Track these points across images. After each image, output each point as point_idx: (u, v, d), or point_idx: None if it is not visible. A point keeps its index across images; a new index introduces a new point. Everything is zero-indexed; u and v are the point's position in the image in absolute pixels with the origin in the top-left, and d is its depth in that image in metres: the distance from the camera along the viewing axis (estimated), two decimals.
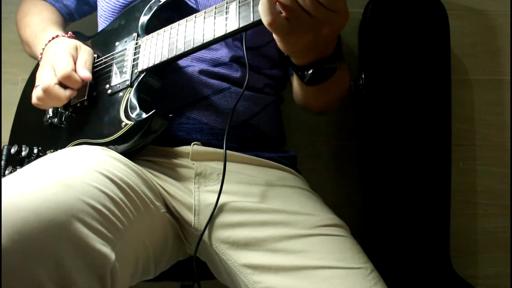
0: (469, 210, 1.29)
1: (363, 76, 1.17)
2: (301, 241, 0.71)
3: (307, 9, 0.58)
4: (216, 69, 0.86)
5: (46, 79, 0.77)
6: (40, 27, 0.94)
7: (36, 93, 0.79)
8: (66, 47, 0.81)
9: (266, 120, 0.91)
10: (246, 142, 0.87)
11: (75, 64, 0.80)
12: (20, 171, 0.62)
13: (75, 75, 0.78)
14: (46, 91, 0.77)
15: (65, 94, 0.77)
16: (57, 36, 0.87)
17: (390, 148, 1.15)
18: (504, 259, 1.28)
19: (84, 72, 0.79)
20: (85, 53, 0.83)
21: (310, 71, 0.71)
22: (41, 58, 0.86)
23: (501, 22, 1.29)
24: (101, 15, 0.96)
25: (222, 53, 0.87)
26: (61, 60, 0.78)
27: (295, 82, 0.88)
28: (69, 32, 0.91)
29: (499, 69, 1.29)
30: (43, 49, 0.86)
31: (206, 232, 0.74)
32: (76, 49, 0.83)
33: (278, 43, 0.65)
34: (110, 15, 0.93)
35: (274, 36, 0.63)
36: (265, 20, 0.59)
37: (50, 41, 0.86)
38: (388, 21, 1.17)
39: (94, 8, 1.06)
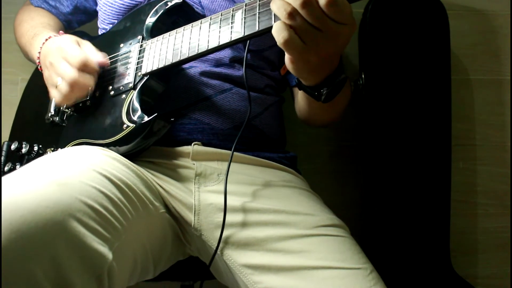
0: (469, 210, 1.30)
1: (363, 76, 1.17)
2: (301, 241, 0.71)
3: (316, 25, 0.57)
4: (218, 69, 0.86)
5: (67, 72, 0.77)
6: (32, 33, 0.94)
7: (62, 90, 0.78)
8: (69, 40, 0.82)
9: (268, 120, 0.91)
10: (247, 143, 0.87)
11: None
12: (19, 170, 0.62)
13: (91, 59, 0.78)
14: (74, 83, 0.77)
15: (91, 79, 0.78)
16: (49, 37, 0.87)
17: (390, 148, 1.15)
18: (504, 259, 1.29)
19: (100, 57, 0.81)
20: (88, 44, 0.84)
21: (325, 89, 0.70)
22: (39, 62, 0.86)
23: (501, 22, 1.29)
24: (104, 19, 0.95)
25: (224, 53, 0.87)
26: (71, 50, 0.78)
27: (303, 99, 0.86)
28: (60, 32, 0.90)
29: (499, 69, 1.29)
30: (39, 53, 0.86)
31: (206, 233, 0.74)
32: (77, 42, 0.83)
33: (291, 66, 0.63)
34: (114, 17, 0.93)
35: (287, 56, 0.62)
36: (280, 39, 0.58)
37: (44, 43, 0.86)
38: (388, 21, 1.17)
39: (92, 16, 1.06)
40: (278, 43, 0.58)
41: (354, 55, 1.25)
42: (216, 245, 0.73)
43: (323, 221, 0.75)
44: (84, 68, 0.78)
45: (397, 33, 1.17)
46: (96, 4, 1.00)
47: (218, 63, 0.87)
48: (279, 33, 0.58)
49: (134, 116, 0.76)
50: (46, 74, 0.83)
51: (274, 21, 0.62)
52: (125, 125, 0.76)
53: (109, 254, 0.57)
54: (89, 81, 0.78)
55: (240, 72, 0.88)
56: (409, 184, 1.16)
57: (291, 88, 1.00)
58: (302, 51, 0.59)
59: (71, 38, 0.83)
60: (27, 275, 0.49)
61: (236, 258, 0.72)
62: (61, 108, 0.87)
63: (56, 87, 0.79)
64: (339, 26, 0.58)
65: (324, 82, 0.69)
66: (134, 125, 0.75)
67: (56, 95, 0.81)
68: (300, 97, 0.88)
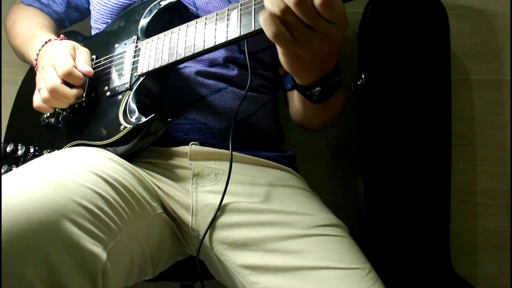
0: (469, 210, 1.29)
1: (363, 76, 1.17)
2: (299, 241, 0.71)
3: (308, 23, 0.58)
4: (213, 69, 0.87)
5: (50, 79, 0.77)
6: (30, 34, 0.94)
7: (42, 95, 0.79)
8: (64, 47, 0.82)
9: (264, 118, 0.91)
10: (245, 141, 0.87)
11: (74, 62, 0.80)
12: (14, 171, 0.63)
13: (76, 71, 0.78)
14: (53, 91, 0.77)
15: (72, 92, 0.78)
16: (49, 40, 0.87)
17: (390, 148, 1.15)
18: (504, 259, 1.28)
19: (85, 67, 0.80)
20: (83, 51, 0.84)
21: (318, 89, 0.71)
22: (36, 64, 0.86)
23: (501, 22, 1.28)
24: (97, 18, 0.95)
25: (218, 53, 0.87)
26: (61, 59, 0.79)
27: (298, 101, 0.87)
28: (61, 35, 0.90)
29: (499, 69, 1.29)
30: (37, 54, 0.86)
31: (203, 233, 0.74)
32: (74, 48, 0.83)
33: (283, 59, 0.65)
34: (107, 17, 0.93)
35: (279, 50, 0.63)
36: (269, 32, 0.59)
37: (43, 45, 0.86)
38: (388, 21, 1.16)
39: (85, 14, 1.06)
40: (267, 36, 0.59)
41: (354, 55, 1.25)
42: (214, 245, 0.73)
43: (321, 221, 0.75)
44: (68, 78, 0.78)
45: (397, 33, 1.16)
46: (88, 3, 1.00)
47: (213, 63, 0.87)
48: (267, 27, 0.58)
49: (131, 117, 0.76)
50: (37, 76, 0.84)
51: None
52: (122, 126, 0.76)
53: (103, 254, 0.57)
54: (69, 94, 0.78)
55: (234, 72, 0.89)
56: (409, 184, 1.16)
57: (285, 93, 1.01)
58: (292, 46, 0.60)
59: (69, 46, 0.83)
60: (20, 276, 0.49)
61: (233, 258, 0.72)
62: (57, 109, 0.87)
63: (39, 91, 0.80)
64: (331, 26, 0.58)
65: (318, 83, 0.70)
66: (132, 126, 0.75)
67: (35, 99, 0.81)
68: (295, 98, 0.89)
